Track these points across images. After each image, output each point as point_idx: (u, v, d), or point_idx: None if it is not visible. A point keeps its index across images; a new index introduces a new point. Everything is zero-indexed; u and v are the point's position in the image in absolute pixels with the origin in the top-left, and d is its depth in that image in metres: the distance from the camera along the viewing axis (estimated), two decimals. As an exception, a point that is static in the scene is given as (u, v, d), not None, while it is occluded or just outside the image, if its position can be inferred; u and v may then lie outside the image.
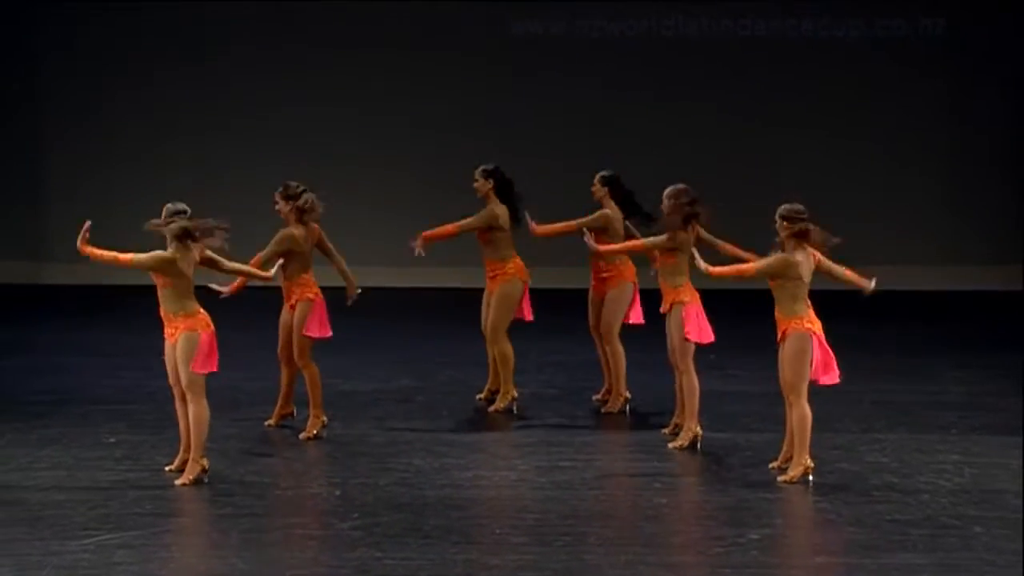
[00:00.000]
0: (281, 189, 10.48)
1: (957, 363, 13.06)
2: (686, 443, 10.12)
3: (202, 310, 9.24)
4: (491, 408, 11.28)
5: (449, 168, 16.82)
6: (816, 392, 11.99)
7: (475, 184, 11.28)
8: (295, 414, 10.78)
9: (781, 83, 17.26)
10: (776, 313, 9.34)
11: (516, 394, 11.30)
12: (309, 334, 10.41)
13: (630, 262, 11.19)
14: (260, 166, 16.47)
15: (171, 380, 9.36)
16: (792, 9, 17.23)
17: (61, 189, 17.09)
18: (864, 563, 8.00)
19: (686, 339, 10.09)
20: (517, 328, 11.40)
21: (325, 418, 10.55)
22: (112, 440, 10.18)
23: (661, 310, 10.28)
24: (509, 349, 11.24)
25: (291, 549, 8.20)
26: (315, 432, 10.47)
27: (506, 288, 11.22)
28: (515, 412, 11.21)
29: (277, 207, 10.44)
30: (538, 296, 11.51)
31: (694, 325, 10.11)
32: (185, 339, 9.17)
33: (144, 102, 17.28)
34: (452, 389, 11.97)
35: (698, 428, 10.16)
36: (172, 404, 9.48)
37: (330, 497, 9.15)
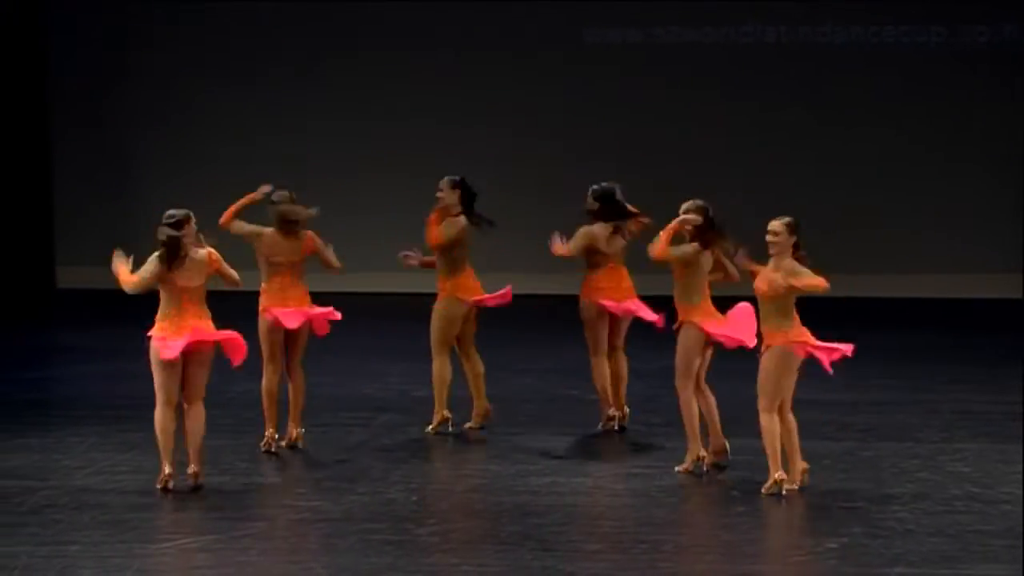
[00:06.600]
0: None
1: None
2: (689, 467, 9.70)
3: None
4: (430, 429, 10.78)
5: (526, 174, 16.90)
6: (896, 402, 11.90)
7: (440, 195, 10.56)
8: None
9: (860, 89, 17.13)
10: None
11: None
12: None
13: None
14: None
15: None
16: (873, 16, 17.11)
17: (141, 195, 17.26)
18: (944, 574, 7.92)
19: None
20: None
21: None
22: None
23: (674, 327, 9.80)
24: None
25: (368, 554, 8.23)
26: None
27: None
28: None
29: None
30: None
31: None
32: None
33: (221, 108, 17.42)
34: (528, 396, 11.97)
35: (700, 450, 9.73)
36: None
37: (407, 503, 9.18)
